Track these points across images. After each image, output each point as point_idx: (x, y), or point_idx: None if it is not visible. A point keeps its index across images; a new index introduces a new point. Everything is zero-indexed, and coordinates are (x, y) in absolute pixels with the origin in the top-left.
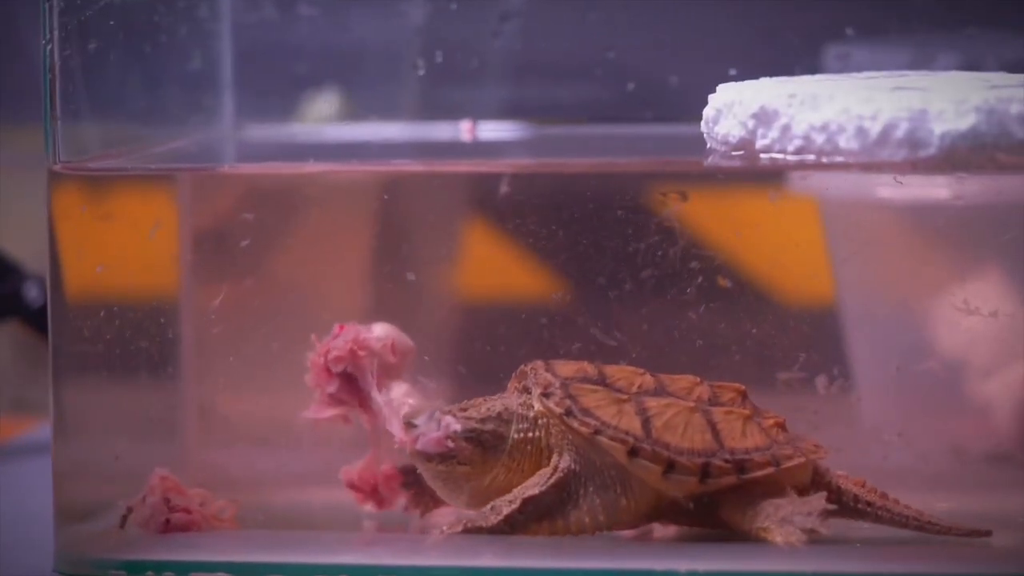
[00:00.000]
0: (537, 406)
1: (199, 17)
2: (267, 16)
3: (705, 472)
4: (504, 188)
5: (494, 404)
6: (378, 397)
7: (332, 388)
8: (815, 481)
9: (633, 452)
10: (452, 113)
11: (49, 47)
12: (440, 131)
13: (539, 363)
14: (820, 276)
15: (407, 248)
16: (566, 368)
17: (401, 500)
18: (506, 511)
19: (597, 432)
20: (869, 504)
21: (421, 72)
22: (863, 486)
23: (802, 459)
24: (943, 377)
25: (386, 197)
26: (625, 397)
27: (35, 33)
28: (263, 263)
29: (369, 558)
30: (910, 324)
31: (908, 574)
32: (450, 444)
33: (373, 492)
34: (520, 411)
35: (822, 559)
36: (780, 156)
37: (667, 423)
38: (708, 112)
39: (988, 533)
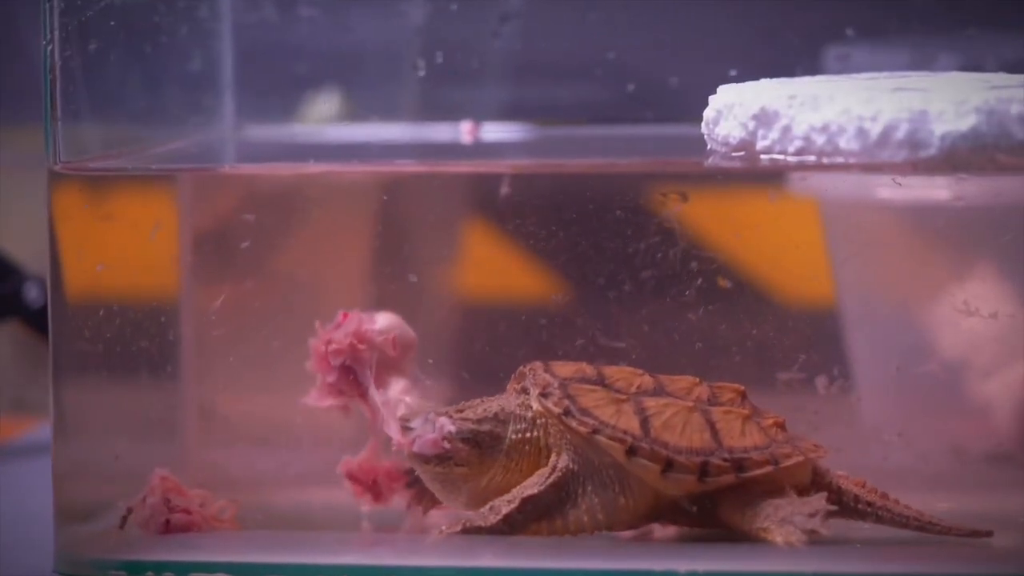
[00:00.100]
0: (536, 406)
1: (199, 17)
2: (267, 16)
3: (704, 471)
4: (504, 189)
5: (491, 405)
6: (376, 395)
7: (331, 378)
8: (815, 481)
9: (631, 451)
10: (452, 114)
11: (49, 47)
12: (440, 132)
13: (538, 364)
14: (820, 277)
15: (407, 249)
16: (565, 369)
17: (398, 497)
18: (505, 511)
19: (595, 431)
20: (870, 504)
21: (421, 73)
22: (863, 486)
23: (801, 458)
24: (943, 377)
25: (386, 198)
26: (624, 397)
27: (35, 33)
28: (263, 264)
29: (369, 558)
30: (910, 325)
31: (908, 574)
32: (446, 445)
33: (372, 486)
34: (517, 411)
35: (822, 559)
36: (780, 157)
37: (665, 422)
38: (708, 113)
39: (989, 534)
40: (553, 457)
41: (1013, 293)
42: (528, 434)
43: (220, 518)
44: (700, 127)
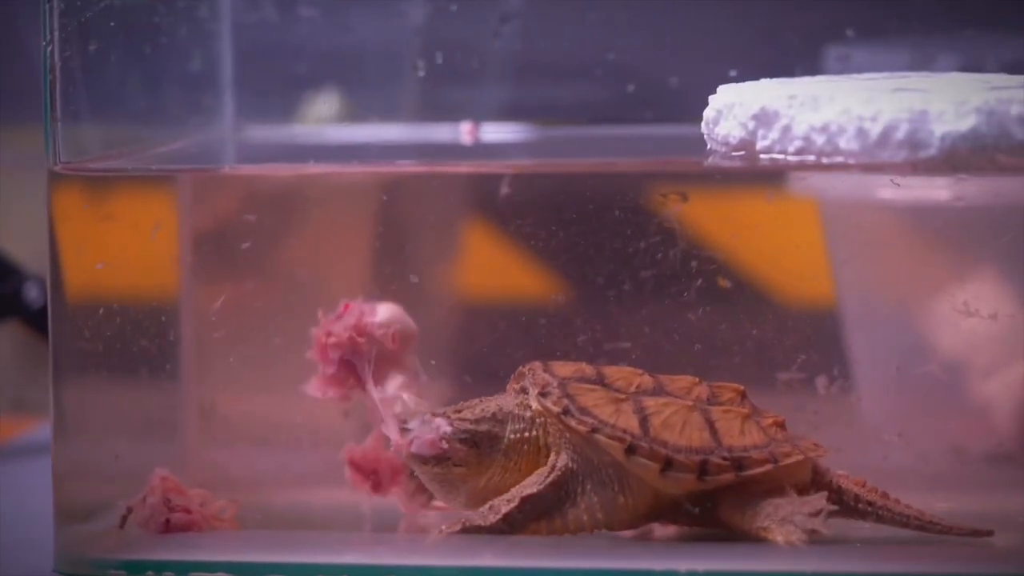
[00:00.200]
0: (535, 405)
1: (199, 18)
2: (267, 16)
3: (703, 469)
4: (504, 189)
5: (488, 405)
6: (374, 392)
7: (331, 370)
8: (815, 481)
9: (631, 450)
10: (452, 114)
11: (49, 48)
12: (440, 132)
13: (537, 364)
14: (820, 277)
15: (407, 249)
16: (564, 369)
17: (397, 490)
18: (505, 510)
19: (594, 430)
20: (870, 504)
21: (421, 73)
22: (863, 486)
23: (800, 456)
24: (943, 377)
25: (386, 198)
26: (623, 396)
27: (35, 34)
28: (263, 264)
29: (369, 558)
30: (910, 325)
31: (908, 574)
32: (444, 446)
33: (373, 475)
34: (516, 411)
35: (822, 559)
36: (780, 157)
37: (665, 421)
38: (708, 113)
39: (990, 533)
40: (552, 456)
41: (1013, 293)
42: (526, 434)
43: (220, 518)
44: (700, 127)
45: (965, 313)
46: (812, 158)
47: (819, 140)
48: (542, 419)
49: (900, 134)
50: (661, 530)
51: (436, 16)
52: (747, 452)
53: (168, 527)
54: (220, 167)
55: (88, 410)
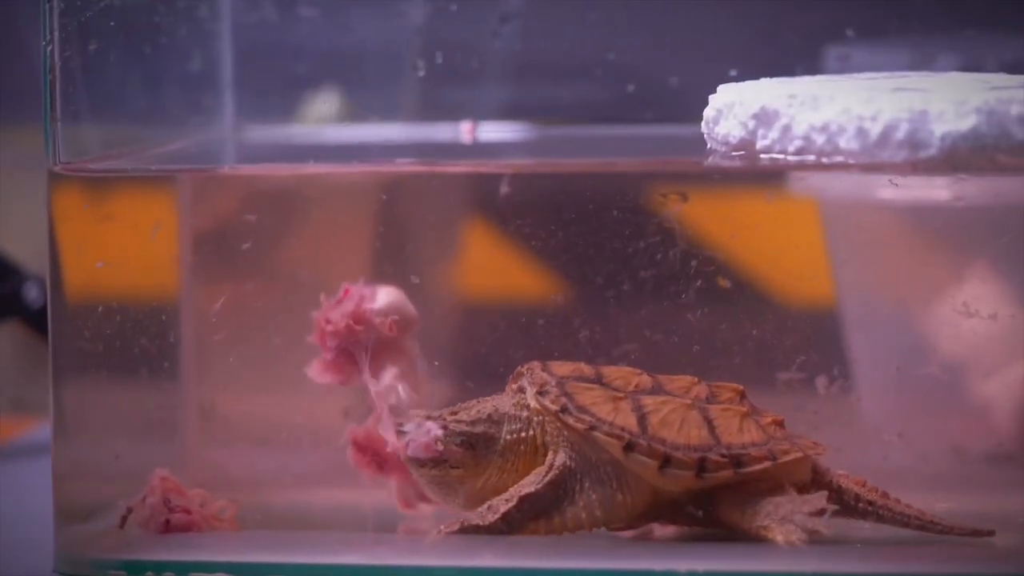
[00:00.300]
0: (533, 404)
1: (199, 17)
2: (267, 16)
3: (702, 466)
4: (504, 189)
5: (485, 406)
6: (370, 384)
7: (330, 356)
8: (815, 480)
9: (629, 447)
10: (452, 114)
11: (49, 48)
12: (440, 132)
13: (535, 364)
14: (820, 277)
15: (407, 249)
16: (562, 368)
17: (397, 476)
18: (503, 509)
19: (592, 428)
20: (870, 503)
21: (421, 73)
22: (863, 485)
23: (799, 454)
24: (943, 377)
25: (385, 198)
26: (621, 395)
27: (35, 34)
28: (263, 264)
29: (369, 558)
30: (910, 325)
31: (908, 574)
32: (439, 448)
33: (374, 455)
34: (512, 412)
35: (822, 559)
36: (780, 157)
37: (663, 419)
38: (708, 113)
39: (991, 533)
40: (550, 455)
41: (1013, 294)
42: (523, 434)
43: (220, 518)
44: (700, 127)
45: (965, 313)
46: (812, 158)
47: (819, 140)
48: (539, 418)
49: (900, 134)
50: (661, 530)
51: (436, 16)
52: (745, 449)
53: (168, 527)
54: (220, 167)
55: (88, 410)
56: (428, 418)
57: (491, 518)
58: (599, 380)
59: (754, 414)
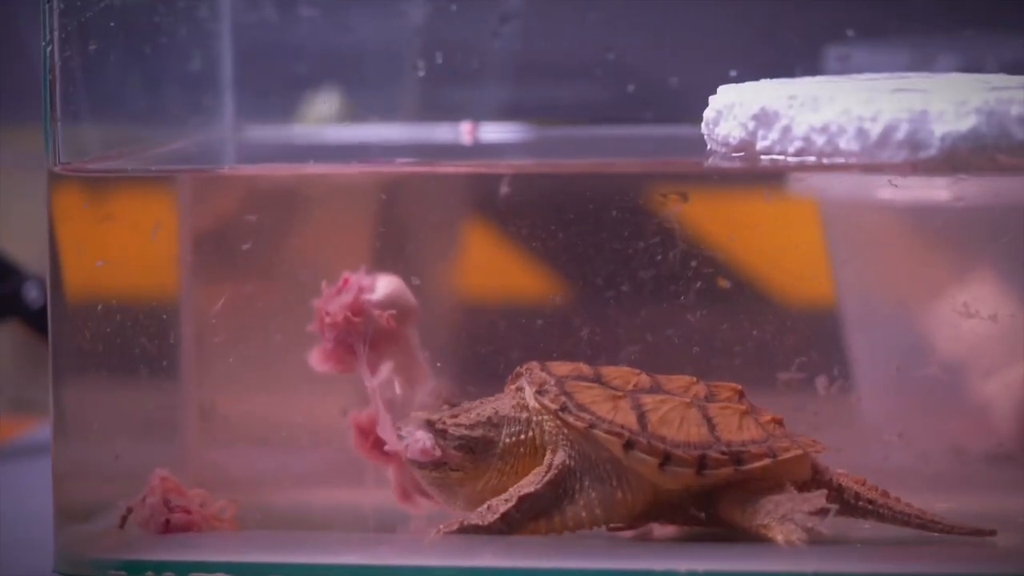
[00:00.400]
0: (532, 403)
1: (199, 17)
2: (267, 16)
3: (702, 463)
4: (504, 189)
5: (485, 408)
6: (368, 381)
7: (329, 345)
8: (815, 479)
9: (629, 445)
10: (452, 114)
11: (49, 48)
12: (440, 132)
13: (534, 364)
14: (820, 277)
15: (407, 249)
16: (562, 368)
17: (396, 467)
18: (502, 509)
19: (592, 426)
20: (870, 502)
21: (421, 73)
22: (863, 484)
23: (799, 451)
24: (943, 378)
25: (385, 198)
26: (620, 394)
27: (35, 34)
28: (263, 264)
29: (369, 558)
30: (910, 325)
31: (908, 574)
32: (437, 453)
33: (376, 443)
34: (512, 414)
35: (822, 559)
36: (780, 157)
37: (663, 417)
38: (708, 113)
39: (992, 532)
40: (548, 455)
41: (1013, 294)
42: (522, 436)
43: (220, 518)
44: (700, 127)
45: (965, 314)
46: (812, 158)
47: (819, 140)
48: (538, 418)
49: (900, 134)
50: (660, 529)
51: (436, 16)
52: (745, 447)
53: (168, 527)
54: (220, 167)
55: (88, 410)
56: (428, 420)
57: (490, 518)
58: (598, 379)
59: (753, 412)
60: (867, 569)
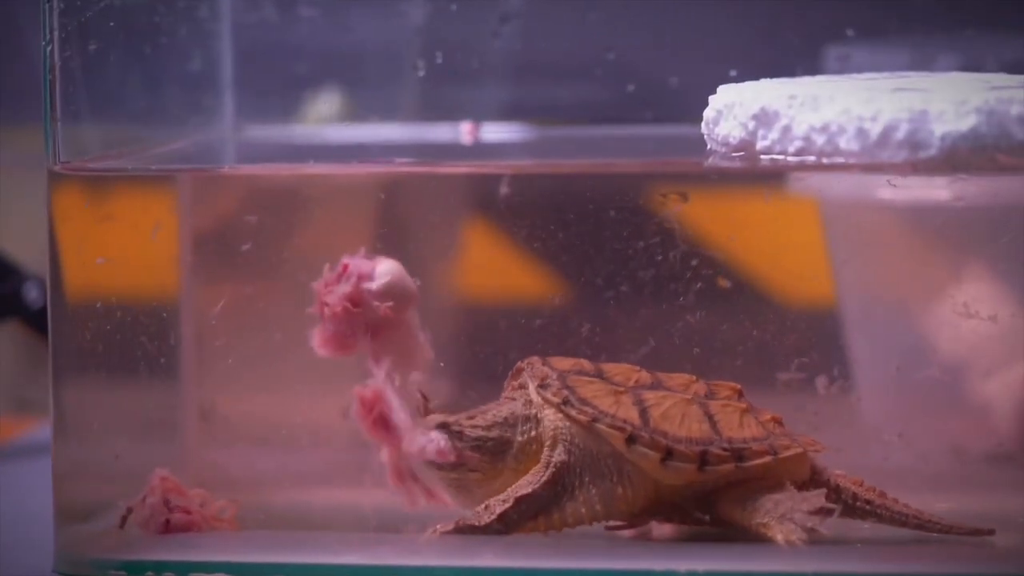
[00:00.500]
0: (535, 398)
1: (199, 17)
2: (267, 16)
3: (704, 459)
4: (504, 189)
5: (501, 410)
6: (376, 372)
7: (328, 332)
8: (813, 479)
9: (631, 439)
10: (452, 114)
11: (49, 48)
12: (440, 132)
13: (535, 358)
14: (820, 277)
15: (407, 249)
16: (563, 363)
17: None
18: (499, 510)
19: (595, 420)
20: (868, 503)
21: (421, 73)
22: (861, 485)
23: (800, 449)
24: (943, 378)
25: (385, 198)
26: (622, 389)
27: (35, 34)
28: (263, 264)
29: (369, 558)
30: (910, 325)
31: (908, 574)
32: (452, 456)
33: (379, 417)
34: (523, 412)
35: (822, 559)
36: (781, 157)
37: (664, 413)
38: (708, 113)
39: (991, 532)
40: (546, 451)
41: (1013, 294)
42: (532, 433)
43: (220, 518)
44: (700, 127)
45: (965, 314)
46: (812, 158)
47: (819, 140)
48: (540, 413)
49: (900, 134)
50: (659, 528)
51: (436, 16)
52: (747, 444)
53: (168, 527)
54: (220, 167)
55: (88, 410)
56: (445, 423)
57: (487, 519)
58: (599, 375)
59: (753, 411)
60: (867, 569)
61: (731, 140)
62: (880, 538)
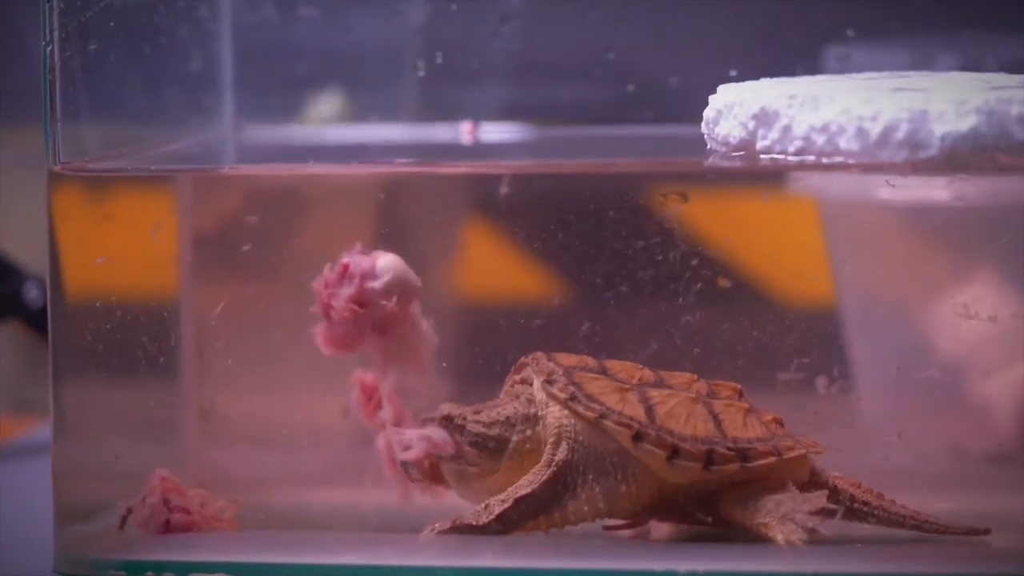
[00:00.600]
0: (539, 395)
1: (199, 17)
2: (267, 16)
3: (709, 458)
4: (504, 189)
5: (506, 407)
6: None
7: (334, 332)
8: (812, 480)
9: (638, 437)
10: (452, 114)
11: (49, 48)
12: (440, 132)
13: (540, 354)
14: (820, 277)
15: (407, 249)
16: (568, 359)
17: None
18: (498, 510)
19: (602, 416)
20: (866, 504)
21: (421, 73)
22: (859, 487)
23: (803, 450)
24: (943, 378)
25: (382, 197)
26: (627, 386)
27: (35, 34)
28: (263, 264)
29: (369, 558)
30: (910, 325)
31: (908, 574)
32: (450, 449)
33: (378, 402)
34: (524, 411)
35: (822, 559)
36: (781, 157)
37: (670, 411)
38: (708, 113)
39: (987, 531)
40: (548, 449)
41: (1013, 294)
42: (528, 432)
43: (220, 518)
44: (700, 127)
45: (965, 314)
46: (812, 158)
47: (819, 140)
48: (543, 411)
49: (900, 134)
50: (658, 528)
51: (436, 16)
52: (751, 444)
53: (168, 527)
54: (220, 167)
55: (88, 410)
56: (449, 415)
57: (486, 518)
58: (603, 372)
59: (754, 411)
60: (867, 569)
61: (731, 140)
62: (880, 538)
